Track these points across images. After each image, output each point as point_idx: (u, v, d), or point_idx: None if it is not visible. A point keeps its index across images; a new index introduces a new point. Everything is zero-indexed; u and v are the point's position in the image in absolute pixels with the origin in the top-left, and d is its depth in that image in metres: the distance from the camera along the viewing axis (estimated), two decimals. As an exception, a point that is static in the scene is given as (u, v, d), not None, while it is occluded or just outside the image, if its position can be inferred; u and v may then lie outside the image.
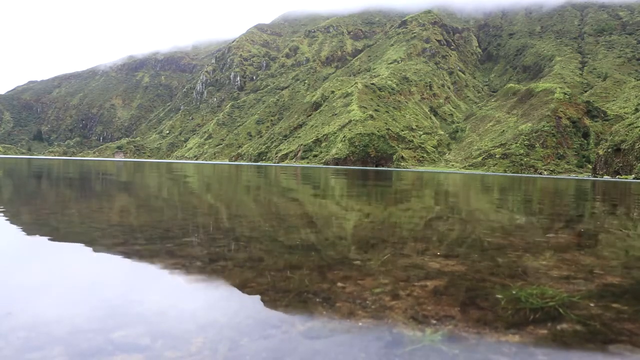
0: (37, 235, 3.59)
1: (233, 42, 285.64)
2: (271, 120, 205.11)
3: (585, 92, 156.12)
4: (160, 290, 2.25)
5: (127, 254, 2.96)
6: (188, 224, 4.54)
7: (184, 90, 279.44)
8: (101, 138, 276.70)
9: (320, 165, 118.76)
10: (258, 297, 2.10)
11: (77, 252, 3.05)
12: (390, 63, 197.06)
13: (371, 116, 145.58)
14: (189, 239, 3.60)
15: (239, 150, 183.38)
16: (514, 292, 2.28)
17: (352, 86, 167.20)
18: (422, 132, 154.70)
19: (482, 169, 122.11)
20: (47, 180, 12.86)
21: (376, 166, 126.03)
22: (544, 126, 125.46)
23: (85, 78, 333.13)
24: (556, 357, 1.55)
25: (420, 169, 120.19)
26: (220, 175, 20.74)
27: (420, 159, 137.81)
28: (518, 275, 2.65)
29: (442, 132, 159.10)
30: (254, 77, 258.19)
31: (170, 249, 3.13)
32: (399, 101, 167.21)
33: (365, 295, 2.16)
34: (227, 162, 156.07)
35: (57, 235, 3.60)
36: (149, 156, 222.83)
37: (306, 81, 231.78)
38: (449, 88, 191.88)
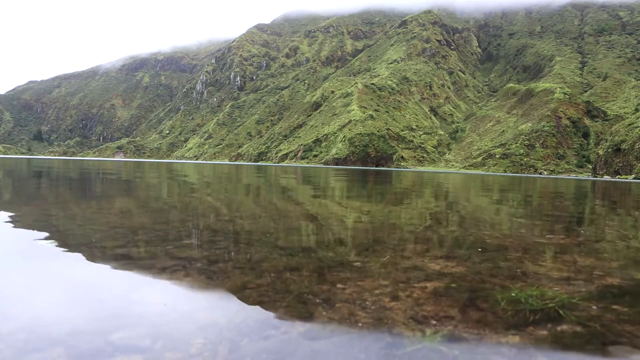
0: (37, 237, 3.58)
1: (233, 42, 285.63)
2: (271, 120, 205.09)
3: (585, 92, 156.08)
4: (160, 292, 2.25)
5: (127, 255, 2.96)
6: (188, 225, 4.54)
7: (184, 90, 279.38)
8: (101, 138, 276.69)
9: (320, 165, 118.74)
10: (258, 298, 2.10)
11: (76, 254, 3.05)
12: (390, 63, 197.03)
13: (371, 116, 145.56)
14: (188, 240, 3.60)
15: (239, 150, 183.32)
16: (513, 293, 2.27)
17: (352, 86, 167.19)
18: (422, 132, 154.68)
19: (482, 169, 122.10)
20: (47, 180, 12.86)
21: (376, 166, 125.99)
22: (544, 126, 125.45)
23: (85, 78, 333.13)
24: (556, 358, 1.55)
25: (420, 169, 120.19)
26: (220, 176, 20.74)
27: (420, 159, 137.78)
28: (518, 277, 2.65)
29: (442, 132, 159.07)
30: (254, 77, 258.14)
31: (170, 251, 3.13)
32: (399, 101, 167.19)
33: (365, 297, 2.16)
34: (227, 162, 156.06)
35: (57, 236, 3.60)
36: (149, 156, 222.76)
37: (306, 81, 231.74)
38: (449, 88, 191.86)
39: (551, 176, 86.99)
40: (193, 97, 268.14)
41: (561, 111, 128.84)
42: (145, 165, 45.34)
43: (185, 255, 3.00)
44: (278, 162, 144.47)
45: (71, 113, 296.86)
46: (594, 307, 2.10)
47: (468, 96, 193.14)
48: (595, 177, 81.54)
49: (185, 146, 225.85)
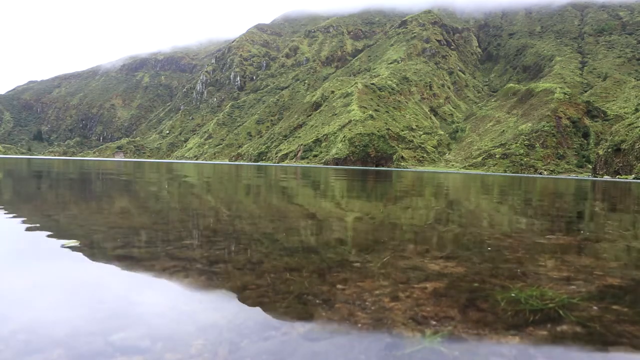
0: (37, 237, 3.58)
1: (233, 42, 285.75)
2: (271, 120, 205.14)
3: (585, 92, 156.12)
4: (160, 292, 2.25)
5: (127, 256, 2.96)
6: (188, 226, 4.54)
7: (184, 90, 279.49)
8: (101, 138, 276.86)
9: (320, 165, 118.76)
10: (258, 299, 2.10)
11: (76, 254, 3.05)
12: (390, 63, 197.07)
13: (371, 116, 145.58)
14: (188, 240, 3.60)
15: (239, 150, 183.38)
16: (513, 293, 2.27)
17: (352, 86, 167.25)
18: (422, 132, 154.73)
19: (482, 169, 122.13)
20: (47, 180, 12.86)
21: (376, 166, 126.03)
22: (544, 126, 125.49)
23: (85, 78, 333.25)
24: (556, 358, 1.56)
25: (420, 169, 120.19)
26: (220, 176, 20.74)
27: (420, 159, 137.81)
28: (518, 277, 2.64)
29: (442, 132, 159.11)
30: (254, 77, 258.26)
31: (170, 251, 3.12)
32: (399, 101, 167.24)
33: (365, 297, 2.16)
34: (227, 162, 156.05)
35: (57, 237, 3.60)
36: (148, 156, 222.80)
37: (306, 81, 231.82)
38: (449, 88, 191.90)
39: (551, 176, 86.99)
40: (193, 97, 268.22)
41: (561, 111, 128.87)
42: (145, 165, 45.35)
43: (186, 255, 2.99)
44: (278, 162, 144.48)
45: (71, 113, 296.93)
46: (594, 307, 2.10)
47: (468, 96, 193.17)
48: (595, 177, 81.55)
49: (185, 146, 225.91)
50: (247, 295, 2.16)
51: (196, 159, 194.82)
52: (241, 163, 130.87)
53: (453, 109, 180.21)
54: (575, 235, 4.75)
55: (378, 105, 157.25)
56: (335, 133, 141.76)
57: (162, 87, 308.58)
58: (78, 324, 1.73)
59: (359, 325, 1.80)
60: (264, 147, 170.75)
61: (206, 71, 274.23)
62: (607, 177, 75.68)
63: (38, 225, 4.19)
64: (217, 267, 2.69)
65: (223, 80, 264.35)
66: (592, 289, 2.44)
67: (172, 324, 1.77)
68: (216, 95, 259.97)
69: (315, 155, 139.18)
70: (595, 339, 1.72)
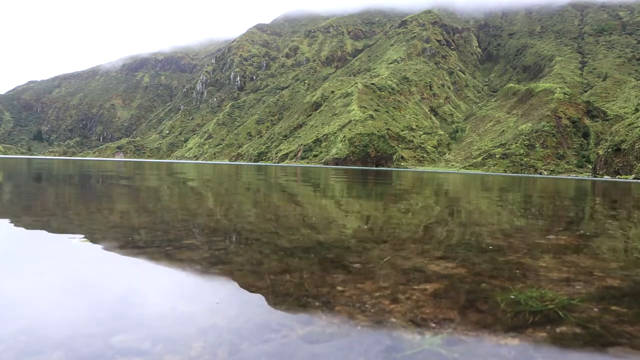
0: (37, 238, 3.58)
1: (233, 42, 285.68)
2: (271, 120, 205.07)
3: (585, 92, 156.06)
4: (160, 294, 2.26)
5: (127, 257, 2.96)
6: (188, 227, 4.54)
7: (184, 90, 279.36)
8: (101, 138, 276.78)
9: (320, 165, 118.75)
10: (258, 300, 2.11)
11: (76, 255, 3.05)
12: (390, 63, 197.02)
13: (371, 116, 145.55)
14: (188, 241, 3.60)
15: (239, 150, 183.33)
16: (513, 295, 2.28)
17: (352, 86, 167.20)
18: (422, 132, 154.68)
19: (482, 169, 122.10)
20: (47, 180, 12.86)
21: (376, 166, 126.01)
22: (544, 126, 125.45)
23: (85, 78, 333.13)
24: (555, 359, 1.56)
25: (420, 169, 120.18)
26: (220, 176, 20.73)
27: (420, 159, 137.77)
28: (517, 278, 2.65)
29: (442, 132, 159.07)
30: (254, 77, 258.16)
31: (170, 252, 3.12)
32: (399, 101, 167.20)
33: (364, 299, 2.16)
34: (227, 162, 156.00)
35: (57, 238, 3.60)
36: (148, 156, 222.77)
37: (306, 81, 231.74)
38: (449, 88, 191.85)
39: (551, 176, 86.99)
40: (193, 97, 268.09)
41: (561, 111, 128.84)
42: (145, 165, 45.35)
43: (186, 256, 2.99)
44: (278, 162, 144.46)
45: (71, 113, 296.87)
46: (594, 308, 2.11)
47: (468, 96, 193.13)
48: (595, 177, 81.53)
49: (185, 146, 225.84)
50: (247, 297, 2.17)
51: (196, 159, 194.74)
52: (241, 163, 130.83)
53: (453, 109, 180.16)
54: (575, 236, 4.75)
55: (378, 105, 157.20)
56: (335, 133, 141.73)
57: (162, 87, 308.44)
58: (78, 326, 1.73)
59: (359, 327, 1.79)
60: (264, 147, 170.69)
61: (206, 71, 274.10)
62: (607, 177, 75.68)
63: (38, 226, 4.19)
64: (217, 269, 2.69)
65: (223, 80, 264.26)
66: (592, 290, 2.43)
67: (172, 326, 1.77)
68: (216, 95, 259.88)
69: (315, 155, 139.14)
70: (595, 339, 1.72)
